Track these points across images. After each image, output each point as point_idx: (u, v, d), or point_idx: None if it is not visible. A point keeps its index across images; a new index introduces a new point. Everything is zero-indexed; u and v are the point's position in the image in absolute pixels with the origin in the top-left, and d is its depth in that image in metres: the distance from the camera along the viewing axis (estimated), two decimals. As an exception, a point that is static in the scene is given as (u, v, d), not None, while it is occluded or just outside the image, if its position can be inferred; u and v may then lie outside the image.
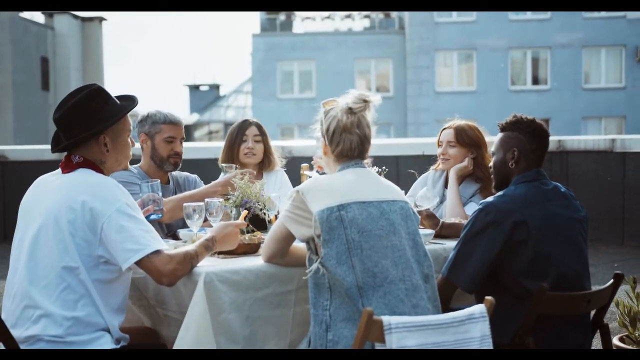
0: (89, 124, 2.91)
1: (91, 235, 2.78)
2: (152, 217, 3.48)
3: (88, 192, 2.81)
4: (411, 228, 2.90)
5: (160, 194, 3.54)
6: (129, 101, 3.07)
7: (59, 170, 2.97)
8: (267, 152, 4.65)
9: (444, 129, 4.35)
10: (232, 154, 4.57)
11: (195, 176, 4.38)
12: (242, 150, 4.55)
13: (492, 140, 3.45)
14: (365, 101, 2.96)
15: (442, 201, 4.30)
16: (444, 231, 3.68)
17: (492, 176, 3.37)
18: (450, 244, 3.36)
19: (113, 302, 2.88)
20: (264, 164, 4.66)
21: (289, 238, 2.94)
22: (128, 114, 3.05)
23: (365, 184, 2.90)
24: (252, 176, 3.76)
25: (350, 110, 2.95)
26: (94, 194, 2.81)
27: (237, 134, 4.59)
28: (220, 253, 3.17)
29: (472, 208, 4.13)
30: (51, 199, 2.86)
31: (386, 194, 2.90)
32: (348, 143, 2.95)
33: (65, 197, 2.82)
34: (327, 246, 2.75)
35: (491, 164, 3.35)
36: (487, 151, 4.29)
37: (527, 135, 3.22)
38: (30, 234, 2.88)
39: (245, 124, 4.63)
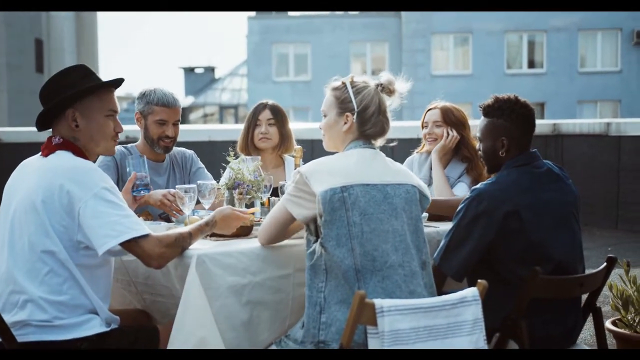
0: (57, 97, 2.87)
1: (69, 219, 2.73)
2: (142, 192, 3.47)
3: (66, 176, 2.75)
4: (414, 213, 2.88)
5: (147, 170, 3.52)
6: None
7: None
8: (282, 135, 4.52)
9: (429, 109, 4.35)
10: (247, 138, 4.49)
11: (191, 152, 4.33)
12: (256, 135, 4.47)
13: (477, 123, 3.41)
14: (394, 88, 2.98)
15: (429, 184, 4.29)
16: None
17: (481, 161, 3.36)
18: (444, 227, 3.35)
19: (97, 286, 2.85)
20: (281, 147, 4.55)
21: (289, 221, 2.90)
22: (115, 97, 2.99)
23: (371, 166, 2.87)
24: (259, 163, 3.68)
25: (389, 93, 2.96)
26: (72, 178, 2.75)
27: (251, 119, 4.50)
28: (212, 235, 3.15)
29: (461, 188, 4.13)
30: (29, 182, 2.81)
31: (392, 177, 2.87)
32: (384, 126, 2.96)
33: (42, 180, 2.77)
34: (327, 227, 2.74)
35: (479, 150, 3.32)
36: (470, 132, 4.30)
37: (513, 121, 3.18)
38: (10, 217, 2.85)
39: (258, 108, 4.52)
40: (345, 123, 2.95)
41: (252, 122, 4.49)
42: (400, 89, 3.00)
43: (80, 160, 2.86)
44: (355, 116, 2.92)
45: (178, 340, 2.77)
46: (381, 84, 2.96)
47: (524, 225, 3.02)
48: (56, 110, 2.89)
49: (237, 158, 3.64)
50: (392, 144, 3.11)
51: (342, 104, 2.96)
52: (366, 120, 2.92)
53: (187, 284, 2.80)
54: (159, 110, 4.01)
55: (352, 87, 2.95)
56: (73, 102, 2.88)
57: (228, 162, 3.65)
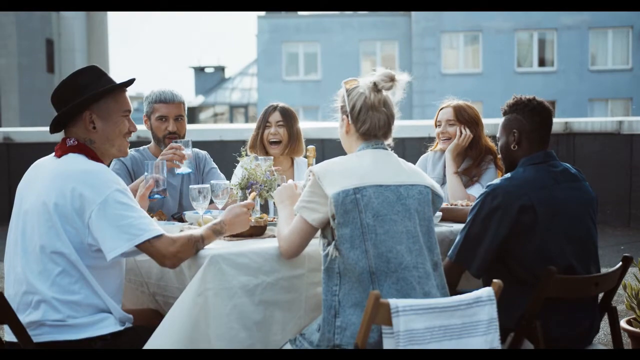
0: (73, 99, 2.88)
1: (79, 222, 2.74)
2: (155, 196, 3.47)
3: (78, 179, 2.76)
4: (427, 214, 2.86)
5: (165, 174, 3.53)
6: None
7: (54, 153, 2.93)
8: (291, 137, 4.52)
9: (442, 108, 4.35)
10: (257, 139, 4.52)
11: (205, 152, 4.36)
12: (265, 136, 4.50)
13: (494, 122, 3.42)
14: (393, 80, 2.92)
15: (443, 183, 4.27)
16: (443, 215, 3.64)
17: (500, 160, 3.36)
18: (458, 227, 3.33)
19: (108, 286, 2.85)
20: (289, 146, 4.53)
21: (311, 231, 2.86)
22: (127, 97, 3.01)
23: (384, 167, 2.86)
24: (271, 162, 3.68)
25: (376, 87, 2.91)
26: (84, 181, 2.76)
27: (261, 120, 4.54)
28: (226, 235, 3.15)
29: (476, 189, 4.10)
30: (42, 184, 2.82)
31: (405, 177, 2.86)
32: (375, 121, 2.91)
33: (55, 183, 2.78)
34: (341, 229, 2.73)
35: (498, 149, 3.33)
36: (483, 130, 4.29)
37: (526, 115, 3.18)
38: (22, 218, 2.86)
39: (268, 110, 4.55)
40: (344, 126, 2.96)
41: (262, 124, 4.53)
42: (400, 80, 2.96)
43: (93, 163, 2.87)
44: (349, 117, 2.93)
45: (153, 342, 2.76)
46: (373, 81, 2.95)
47: (539, 221, 3.00)
48: (73, 112, 2.89)
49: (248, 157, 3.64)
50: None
51: (342, 108, 2.99)
52: (356, 118, 2.92)
53: (187, 287, 2.80)
54: (158, 107, 4.09)
55: (347, 90, 2.96)
56: (90, 104, 2.89)
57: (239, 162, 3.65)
